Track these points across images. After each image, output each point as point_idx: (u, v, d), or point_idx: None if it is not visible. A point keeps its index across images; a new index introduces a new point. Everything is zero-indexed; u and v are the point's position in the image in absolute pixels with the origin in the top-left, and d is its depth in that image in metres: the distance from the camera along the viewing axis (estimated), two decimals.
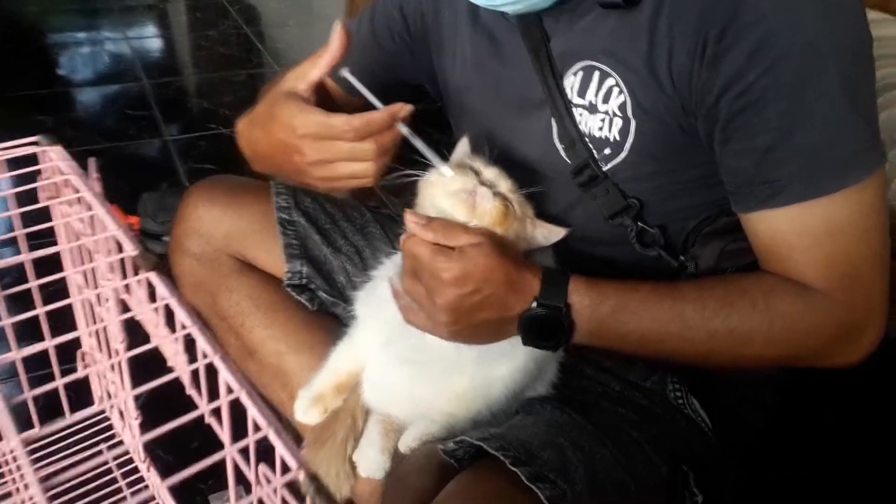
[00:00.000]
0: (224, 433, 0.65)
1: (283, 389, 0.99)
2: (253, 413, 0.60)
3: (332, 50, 0.79)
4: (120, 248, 0.73)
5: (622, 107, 0.75)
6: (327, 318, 1.02)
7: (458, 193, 0.74)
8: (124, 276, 0.73)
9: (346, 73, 0.81)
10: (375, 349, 0.83)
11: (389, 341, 0.81)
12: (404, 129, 0.75)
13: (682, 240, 0.81)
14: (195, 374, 0.68)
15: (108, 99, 2.63)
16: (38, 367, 0.84)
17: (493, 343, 0.76)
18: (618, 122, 0.76)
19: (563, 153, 0.81)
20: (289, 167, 0.82)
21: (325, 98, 0.87)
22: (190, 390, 0.70)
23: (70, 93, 2.63)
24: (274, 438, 0.59)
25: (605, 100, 0.76)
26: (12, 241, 0.79)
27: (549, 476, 0.65)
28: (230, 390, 0.62)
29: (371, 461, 0.80)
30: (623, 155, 0.77)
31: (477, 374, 0.79)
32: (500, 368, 0.78)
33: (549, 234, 0.79)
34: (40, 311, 0.76)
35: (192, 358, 0.66)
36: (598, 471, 0.70)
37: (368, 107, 0.76)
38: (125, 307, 0.75)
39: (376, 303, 0.83)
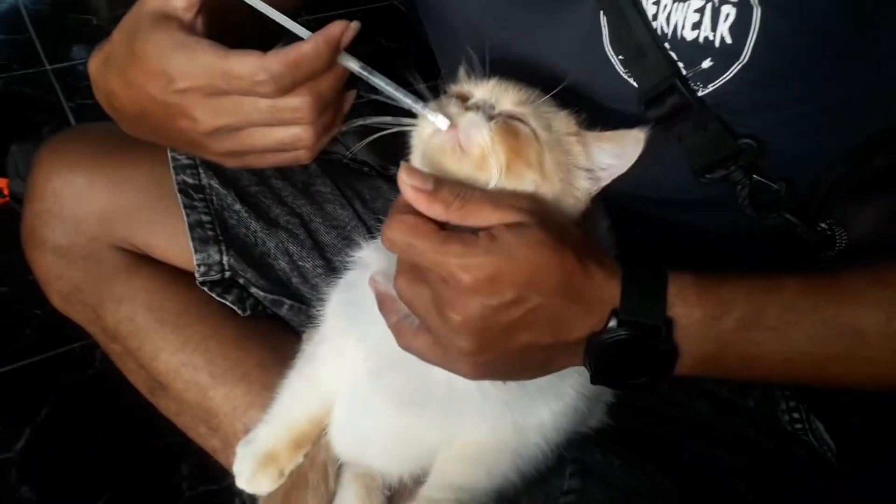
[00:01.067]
0: None
1: (214, 435, 0.74)
2: None
3: None
4: None
5: None
6: (267, 326, 0.78)
7: (434, 135, 0.50)
8: None
9: None
10: (354, 379, 0.60)
11: (378, 369, 0.57)
12: (352, 63, 0.51)
13: (818, 198, 0.58)
14: None
15: None
16: None
17: (538, 378, 0.53)
18: (729, 13, 0.52)
19: (621, 70, 0.57)
20: (173, 136, 0.54)
21: (224, 19, 0.55)
22: None
23: None
24: None
25: None
26: None
27: None
28: None
29: None
30: (736, 69, 0.53)
31: (503, 422, 0.55)
32: (538, 413, 0.55)
33: (621, 145, 0.50)
34: None
35: None
36: None
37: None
38: None
39: (357, 310, 0.58)
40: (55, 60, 1.95)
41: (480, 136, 0.47)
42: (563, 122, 0.52)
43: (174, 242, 0.74)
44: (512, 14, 0.61)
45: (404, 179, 0.46)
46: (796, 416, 0.64)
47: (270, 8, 0.51)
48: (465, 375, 0.50)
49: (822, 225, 0.58)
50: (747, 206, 0.57)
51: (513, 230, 0.46)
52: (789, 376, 0.53)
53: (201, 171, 0.76)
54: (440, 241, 0.46)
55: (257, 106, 0.49)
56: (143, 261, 0.76)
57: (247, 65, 0.47)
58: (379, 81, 0.51)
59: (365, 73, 0.51)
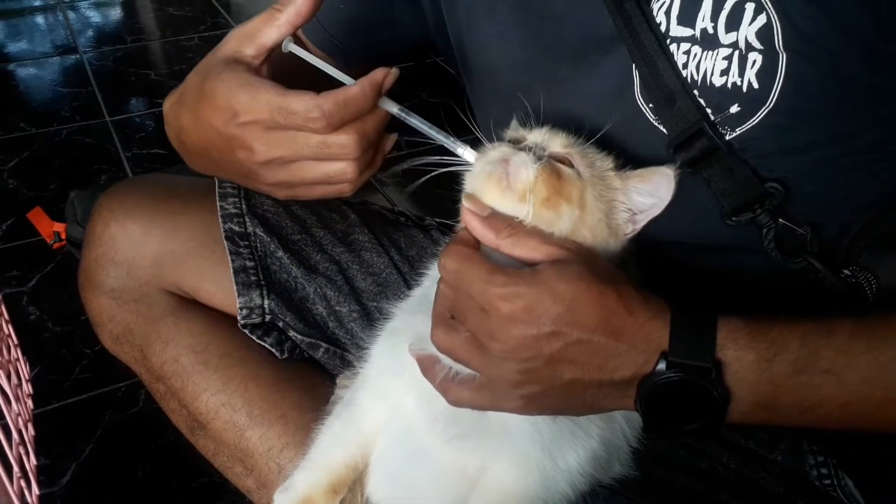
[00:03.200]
0: None
1: (249, 475, 0.74)
2: None
3: (299, 3, 0.56)
4: None
5: (765, 34, 0.52)
6: (304, 369, 0.79)
7: (484, 169, 0.53)
8: None
9: (292, 47, 0.58)
10: (402, 421, 0.60)
11: (430, 404, 0.57)
12: (393, 106, 0.56)
13: (844, 244, 0.57)
14: None
15: (34, 75, 2.34)
16: None
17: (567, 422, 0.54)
18: (756, 60, 0.53)
19: (651, 118, 0.58)
20: (232, 167, 0.59)
21: (286, 70, 0.61)
22: None
23: None
24: None
25: (733, 24, 0.53)
26: None
27: None
28: None
29: None
30: (763, 113, 0.54)
31: (531, 464, 0.55)
32: (567, 456, 0.55)
33: (653, 182, 0.53)
34: None
35: None
36: None
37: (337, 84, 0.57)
38: None
39: (402, 352, 0.58)
40: (114, 113, 2.06)
41: (526, 173, 0.51)
42: (605, 161, 0.55)
43: (220, 287, 0.77)
44: (546, 70, 0.64)
45: (465, 204, 0.51)
46: (825, 471, 0.62)
47: (321, 61, 0.58)
48: (514, 410, 0.52)
49: (846, 272, 0.57)
50: (773, 250, 0.56)
51: (555, 265, 0.48)
52: (849, 421, 0.51)
53: (247, 219, 0.79)
54: (487, 270, 0.49)
55: (309, 141, 0.54)
56: (190, 305, 0.79)
57: (303, 102, 0.53)
58: (416, 122, 0.56)
59: (403, 115, 0.56)
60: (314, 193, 0.59)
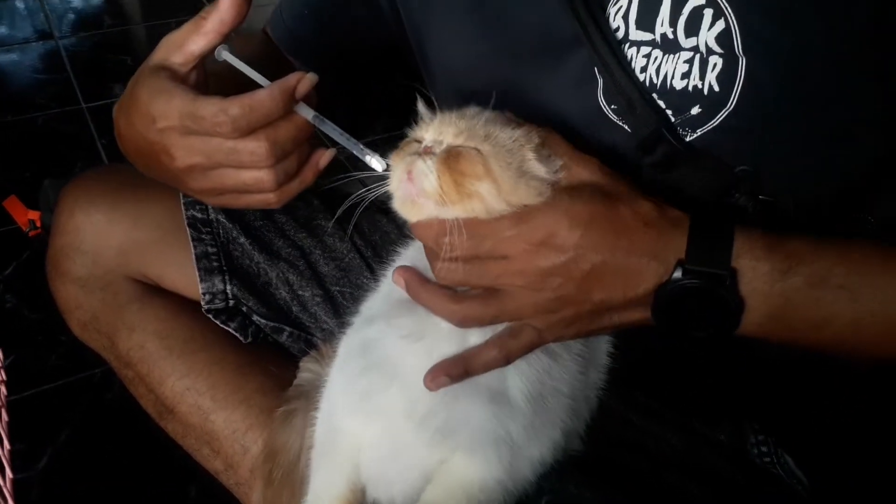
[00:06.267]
0: None
1: (216, 457, 0.76)
2: None
3: (222, 11, 0.55)
4: None
5: (724, 39, 0.53)
6: (267, 353, 0.81)
7: (396, 196, 0.53)
8: None
9: (225, 54, 0.58)
10: (387, 427, 0.58)
11: (418, 410, 0.55)
12: (308, 113, 0.55)
13: (825, 205, 0.57)
14: None
15: (11, 61, 2.31)
16: None
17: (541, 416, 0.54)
18: (716, 63, 0.53)
19: (616, 119, 0.58)
20: (162, 172, 0.59)
21: (232, 78, 0.60)
22: None
23: None
24: None
25: (692, 29, 0.54)
26: None
27: None
28: None
29: None
30: (723, 115, 0.54)
31: (500, 454, 0.54)
32: (532, 449, 0.55)
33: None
34: None
35: None
36: None
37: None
38: None
39: (380, 353, 0.57)
40: (90, 99, 2.04)
41: (429, 180, 0.50)
42: (510, 133, 0.52)
43: (183, 273, 0.78)
44: (507, 72, 0.63)
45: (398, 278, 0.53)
46: (765, 449, 0.64)
47: (252, 70, 0.57)
48: (555, 336, 0.52)
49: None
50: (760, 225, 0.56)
51: (568, 191, 0.50)
52: (859, 342, 0.51)
53: (209, 206, 0.79)
54: (485, 224, 0.49)
55: (221, 147, 0.54)
56: (155, 292, 0.80)
57: (209, 107, 0.53)
58: (330, 129, 0.55)
59: (317, 122, 0.55)
60: (241, 203, 0.59)
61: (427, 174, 0.49)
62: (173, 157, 0.56)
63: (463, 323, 0.52)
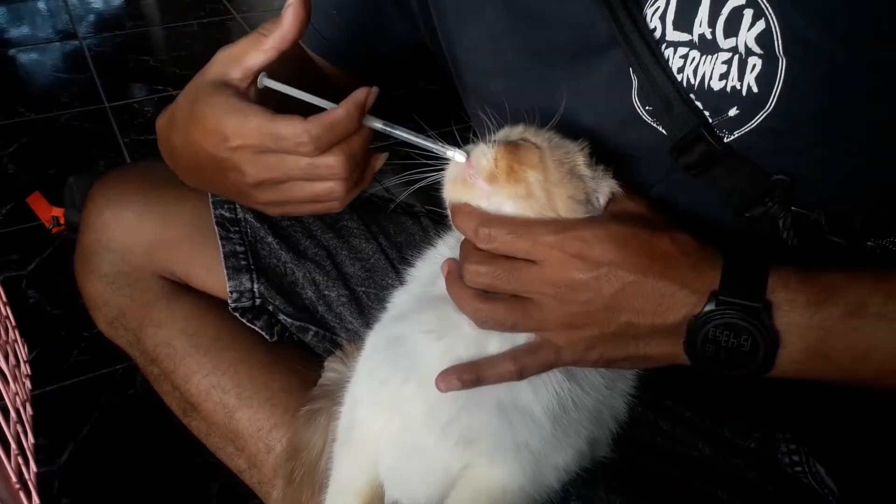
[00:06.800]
0: None
1: (240, 455, 0.76)
2: None
3: (284, 28, 0.56)
4: None
5: (764, 39, 0.52)
6: (293, 352, 0.81)
7: (449, 174, 0.55)
8: None
9: (267, 82, 0.58)
10: (405, 424, 0.58)
11: (434, 406, 0.55)
12: (377, 123, 0.57)
13: (858, 222, 0.57)
14: None
15: (35, 61, 2.34)
16: None
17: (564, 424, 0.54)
18: (755, 64, 0.53)
19: (649, 119, 0.58)
20: (224, 187, 0.61)
21: (273, 91, 0.60)
22: None
23: None
24: None
25: (731, 29, 0.53)
26: None
27: None
28: None
29: None
30: (762, 116, 0.53)
31: (522, 462, 0.54)
32: (556, 457, 0.55)
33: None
34: None
35: None
36: None
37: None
38: None
39: (403, 356, 0.57)
40: (113, 99, 2.06)
41: (486, 159, 0.52)
42: (576, 152, 0.55)
43: (211, 272, 0.79)
44: (543, 74, 0.64)
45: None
46: (796, 458, 0.63)
47: (298, 91, 0.57)
48: (574, 358, 0.52)
49: (870, 243, 0.56)
50: (791, 238, 0.56)
51: (610, 213, 0.52)
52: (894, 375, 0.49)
53: (237, 205, 0.80)
54: (523, 224, 0.50)
55: (298, 164, 0.55)
56: (183, 289, 0.81)
57: (291, 127, 0.53)
58: (402, 133, 0.56)
59: (388, 129, 0.57)
60: (304, 210, 0.60)
61: (486, 153, 0.52)
62: (244, 173, 0.57)
63: (484, 324, 0.52)
